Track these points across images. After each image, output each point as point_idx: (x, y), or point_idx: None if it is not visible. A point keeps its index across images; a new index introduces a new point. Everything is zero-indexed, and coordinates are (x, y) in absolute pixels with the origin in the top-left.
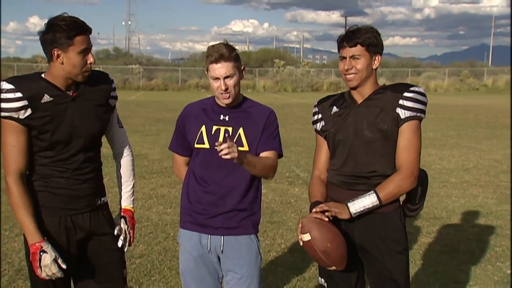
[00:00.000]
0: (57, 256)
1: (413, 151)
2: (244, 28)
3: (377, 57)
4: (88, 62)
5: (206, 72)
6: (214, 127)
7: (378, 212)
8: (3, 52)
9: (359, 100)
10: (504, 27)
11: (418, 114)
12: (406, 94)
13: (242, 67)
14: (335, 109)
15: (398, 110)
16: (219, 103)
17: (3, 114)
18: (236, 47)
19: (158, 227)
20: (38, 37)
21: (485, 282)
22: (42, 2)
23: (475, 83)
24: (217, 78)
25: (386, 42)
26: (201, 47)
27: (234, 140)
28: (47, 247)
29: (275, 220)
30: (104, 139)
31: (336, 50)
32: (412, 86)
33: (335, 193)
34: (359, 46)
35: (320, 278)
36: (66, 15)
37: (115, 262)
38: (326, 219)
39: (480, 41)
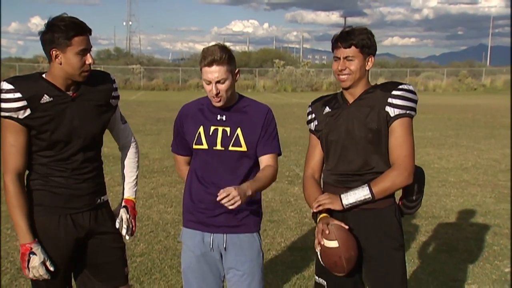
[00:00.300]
0: (46, 258)
1: (405, 147)
2: (244, 28)
3: (370, 58)
4: (87, 62)
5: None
6: (212, 128)
7: (372, 209)
8: (5, 52)
9: (351, 100)
10: (502, 28)
11: (408, 112)
12: (394, 92)
13: (236, 70)
14: (327, 109)
15: (387, 109)
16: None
17: (2, 114)
18: (236, 47)
19: (159, 226)
20: (39, 37)
21: (483, 281)
22: (43, 2)
23: (474, 83)
24: (209, 82)
25: (385, 42)
26: (202, 47)
27: (233, 140)
28: (36, 249)
29: (275, 219)
30: (105, 138)
31: None
32: (401, 84)
33: (331, 192)
34: (353, 48)
35: (317, 278)
36: (65, 15)
37: (116, 261)
38: (347, 227)
39: (478, 41)
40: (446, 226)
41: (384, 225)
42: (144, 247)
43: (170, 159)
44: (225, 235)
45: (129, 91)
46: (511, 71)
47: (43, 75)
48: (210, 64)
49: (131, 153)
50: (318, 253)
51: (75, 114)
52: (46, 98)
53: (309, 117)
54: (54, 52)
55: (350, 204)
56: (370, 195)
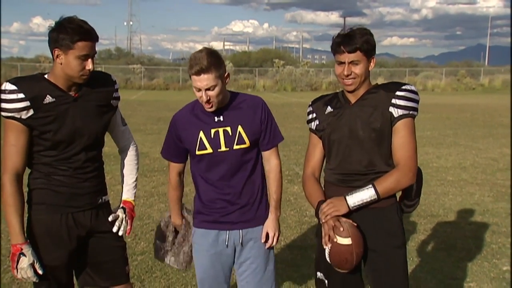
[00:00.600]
0: (35, 261)
1: (409, 148)
2: (244, 28)
3: (373, 59)
4: (87, 68)
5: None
6: (212, 130)
7: (374, 207)
8: (7, 52)
9: (353, 100)
10: (500, 28)
11: (411, 112)
12: (398, 93)
13: (226, 74)
14: (329, 109)
15: (391, 109)
16: None
17: (6, 114)
18: (236, 47)
19: None
20: (41, 38)
21: (482, 279)
22: (45, 3)
23: (472, 83)
24: (199, 89)
25: (384, 42)
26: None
27: (236, 139)
28: (27, 250)
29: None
30: (107, 138)
31: None
32: (404, 84)
33: (332, 191)
34: (358, 52)
35: (318, 273)
36: (76, 18)
37: (117, 259)
38: (355, 224)
39: (476, 41)
40: (444, 224)
41: (386, 223)
42: (145, 246)
43: None
44: (240, 230)
45: (130, 90)
46: (511, 71)
47: (45, 76)
48: (198, 73)
49: (131, 155)
50: (327, 250)
51: (77, 114)
52: (48, 99)
53: (310, 116)
54: (56, 51)
55: (356, 205)
56: (375, 196)
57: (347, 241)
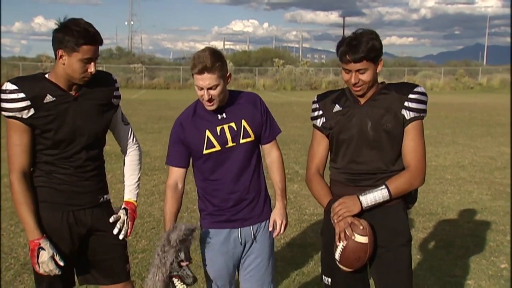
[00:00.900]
0: (55, 253)
1: (419, 149)
2: (244, 28)
3: (380, 62)
4: (89, 70)
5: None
6: (218, 128)
7: (381, 206)
8: (9, 52)
9: (362, 100)
10: (498, 27)
11: (421, 114)
12: (411, 96)
13: (228, 74)
14: (337, 107)
15: (404, 112)
16: None
17: (7, 114)
18: (237, 47)
19: (160, 222)
20: (42, 37)
21: (480, 276)
22: (46, 2)
23: (470, 82)
24: (201, 88)
25: (384, 42)
26: (202, 47)
27: (242, 133)
28: (45, 244)
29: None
30: (109, 137)
31: (334, 50)
32: (415, 86)
33: (340, 190)
34: (364, 61)
35: (325, 277)
36: (83, 20)
37: (118, 257)
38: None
39: (475, 41)
40: (443, 222)
41: (392, 221)
42: (145, 244)
43: None
44: (251, 226)
45: (131, 90)
46: (511, 70)
47: (46, 75)
48: (201, 72)
49: (133, 155)
50: (340, 247)
51: (77, 113)
52: (49, 98)
53: (315, 113)
54: (60, 52)
55: (369, 205)
56: (388, 197)
57: (364, 239)
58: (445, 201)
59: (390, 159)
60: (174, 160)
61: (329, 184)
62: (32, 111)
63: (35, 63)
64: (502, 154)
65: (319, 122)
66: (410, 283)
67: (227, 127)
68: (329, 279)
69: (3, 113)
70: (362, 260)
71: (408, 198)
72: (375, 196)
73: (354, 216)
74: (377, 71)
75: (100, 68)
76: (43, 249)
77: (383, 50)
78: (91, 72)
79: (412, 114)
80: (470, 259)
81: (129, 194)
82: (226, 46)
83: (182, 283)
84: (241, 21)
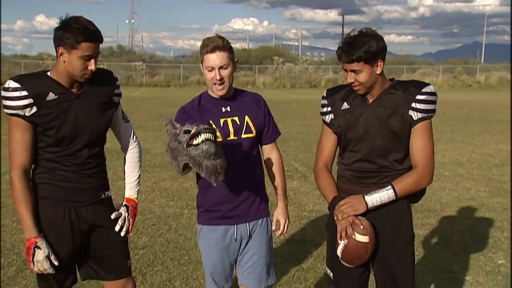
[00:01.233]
0: (50, 253)
1: (428, 149)
2: (244, 26)
3: (379, 63)
4: (89, 68)
5: (200, 64)
6: (221, 120)
7: (386, 204)
8: (10, 50)
9: (370, 98)
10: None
11: (429, 114)
12: (419, 96)
13: (236, 60)
14: (345, 105)
15: (411, 113)
16: (214, 96)
17: (9, 111)
18: (237, 45)
19: (161, 219)
20: (44, 35)
21: (477, 272)
22: (48, 1)
23: (468, 80)
24: (212, 68)
25: None
26: None
27: (244, 128)
28: (41, 243)
29: (274, 213)
30: (109, 134)
31: (333, 48)
32: (424, 86)
33: (345, 186)
34: (355, 62)
35: (328, 270)
36: (82, 18)
37: (119, 253)
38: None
39: (473, 39)
40: (441, 219)
41: (396, 219)
42: (146, 240)
43: None
44: (247, 223)
45: (132, 87)
46: (511, 69)
47: (48, 73)
48: (213, 50)
49: (133, 152)
50: (341, 245)
51: (79, 111)
52: (51, 96)
53: (324, 109)
54: (60, 49)
55: (374, 205)
56: (394, 197)
57: (365, 238)
58: (443, 198)
59: (396, 159)
60: None
61: (336, 179)
62: (34, 109)
63: (36, 61)
64: (500, 151)
65: (327, 118)
66: (412, 280)
67: (230, 121)
68: (332, 274)
69: (6, 110)
70: (363, 258)
71: (413, 196)
72: (381, 196)
73: (358, 215)
74: (377, 72)
75: (101, 66)
76: (39, 248)
77: None
78: (91, 70)
79: (420, 115)
80: (468, 255)
81: (130, 191)
82: None
83: (200, 137)
84: (241, 19)
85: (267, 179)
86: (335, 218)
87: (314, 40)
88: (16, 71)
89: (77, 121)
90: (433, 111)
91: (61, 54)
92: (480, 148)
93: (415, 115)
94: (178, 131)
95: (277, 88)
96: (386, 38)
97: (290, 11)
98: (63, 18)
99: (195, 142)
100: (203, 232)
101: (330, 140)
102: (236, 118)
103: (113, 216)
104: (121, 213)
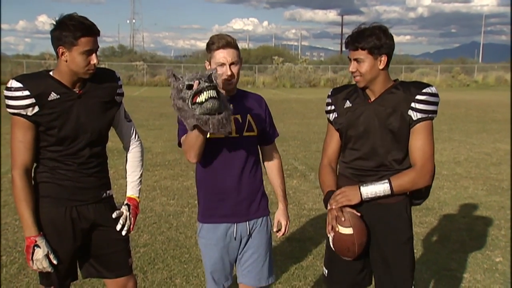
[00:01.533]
0: (50, 251)
1: (427, 149)
2: (244, 26)
3: (382, 58)
4: (92, 62)
5: (207, 61)
6: None
7: (382, 203)
8: (13, 49)
9: (372, 97)
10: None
11: (430, 115)
12: (418, 97)
13: (241, 58)
14: (348, 103)
15: (410, 113)
16: None
17: (12, 111)
18: None
19: (162, 217)
20: (46, 35)
21: (475, 270)
22: (50, 1)
23: (466, 80)
24: (223, 64)
25: None
26: (203, 45)
27: (246, 126)
28: (41, 242)
29: (274, 211)
30: (111, 133)
31: (332, 48)
32: (425, 87)
33: (344, 183)
34: (360, 50)
35: (324, 268)
36: (76, 14)
37: (121, 251)
38: (359, 214)
39: (471, 39)
40: (439, 217)
41: (393, 220)
42: (147, 238)
43: (173, 153)
44: (247, 222)
45: (133, 87)
46: (511, 69)
47: (50, 73)
48: (224, 46)
49: (135, 151)
50: (330, 239)
51: (81, 111)
52: (53, 96)
53: (328, 107)
54: (60, 49)
55: (369, 197)
56: (390, 192)
57: (348, 230)
58: (442, 196)
59: (395, 158)
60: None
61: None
62: (36, 109)
63: (38, 61)
64: (497, 150)
65: (331, 117)
66: (410, 281)
67: (232, 118)
68: (326, 271)
69: (8, 110)
70: (352, 250)
71: (416, 194)
72: (375, 188)
73: (354, 207)
74: (380, 67)
75: (102, 66)
76: (38, 246)
77: None
78: (94, 64)
79: (419, 115)
80: (466, 253)
81: (132, 190)
82: None
83: (203, 95)
84: (241, 19)
85: (266, 179)
86: (329, 207)
87: (313, 40)
88: (18, 71)
89: (79, 121)
90: (434, 112)
91: (62, 54)
92: (477, 147)
93: (414, 115)
94: (181, 86)
95: (276, 88)
96: None
97: (290, 12)
98: (57, 19)
99: (198, 100)
100: (203, 230)
101: (334, 139)
102: (238, 116)
103: (114, 215)
104: (123, 212)
